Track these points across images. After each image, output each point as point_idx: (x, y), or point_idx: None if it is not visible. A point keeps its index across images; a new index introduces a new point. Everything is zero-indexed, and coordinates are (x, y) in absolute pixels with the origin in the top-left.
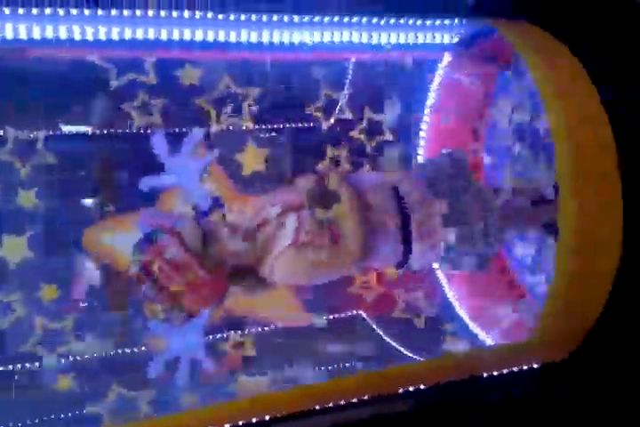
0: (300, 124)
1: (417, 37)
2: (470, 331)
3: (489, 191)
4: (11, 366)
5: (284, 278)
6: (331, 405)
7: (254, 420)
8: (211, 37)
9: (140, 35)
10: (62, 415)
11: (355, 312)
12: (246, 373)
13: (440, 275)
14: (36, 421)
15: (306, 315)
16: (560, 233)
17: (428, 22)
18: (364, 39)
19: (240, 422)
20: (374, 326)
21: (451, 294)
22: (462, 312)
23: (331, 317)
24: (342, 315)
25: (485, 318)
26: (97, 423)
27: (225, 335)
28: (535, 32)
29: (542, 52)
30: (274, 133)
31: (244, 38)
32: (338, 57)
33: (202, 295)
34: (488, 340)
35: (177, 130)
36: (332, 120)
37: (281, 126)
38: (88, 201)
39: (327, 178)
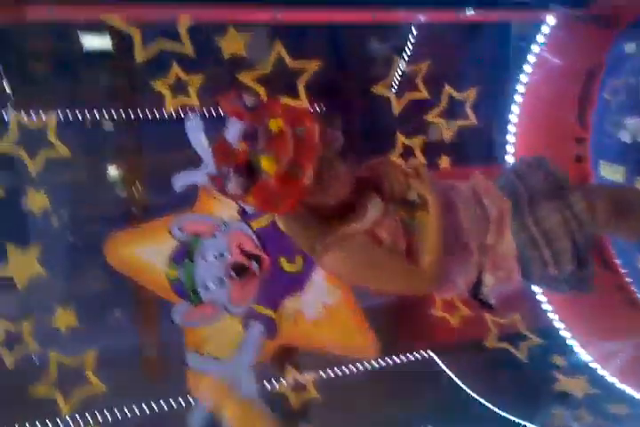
0: (366, 106)
1: None
2: (584, 364)
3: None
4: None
5: (334, 262)
6: None
7: None
8: None
9: None
10: None
11: (425, 354)
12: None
13: (540, 294)
14: None
15: (372, 343)
16: None
17: None
18: None
19: None
20: (448, 372)
21: (556, 318)
22: (571, 340)
23: (396, 359)
24: (410, 357)
25: (603, 346)
26: None
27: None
28: None
29: None
30: (333, 116)
31: None
32: (410, 18)
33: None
34: (614, 379)
35: (217, 112)
36: (403, 100)
37: (342, 108)
38: (111, 203)
39: (413, 177)
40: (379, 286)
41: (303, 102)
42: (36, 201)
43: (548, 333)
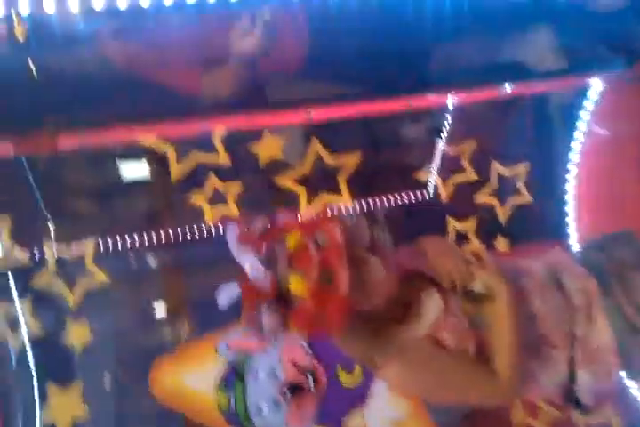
0: (410, 195)
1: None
2: None
3: None
4: None
5: (397, 376)
6: None
7: None
8: None
9: None
10: None
11: None
12: None
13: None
14: None
15: None
16: None
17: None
18: None
19: None
20: None
21: None
22: None
23: None
24: None
25: None
26: None
27: None
28: None
29: None
30: (379, 209)
31: None
32: (445, 100)
33: (322, 312)
34: None
35: None
36: (450, 184)
37: (387, 200)
38: (155, 327)
39: (475, 265)
40: (450, 399)
41: (345, 198)
42: (77, 335)
43: None
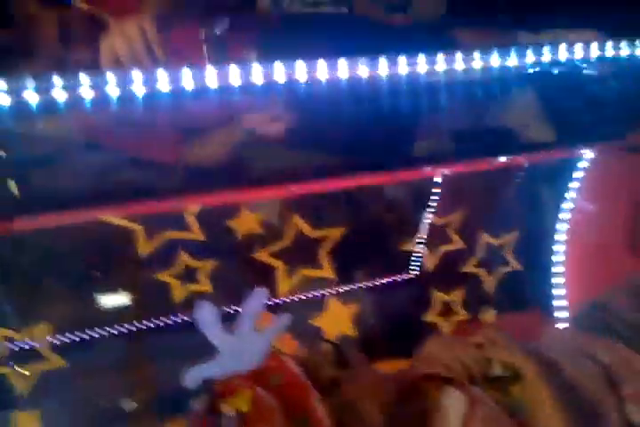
0: (396, 267)
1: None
2: None
3: None
4: None
5: None
6: None
7: None
8: None
9: None
10: None
11: None
12: None
13: None
14: None
15: None
16: None
17: None
18: None
19: None
20: None
21: None
22: None
23: None
24: None
25: None
26: None
27: None
28: None
29: None
30: (363, 282)
31: None
32: (429, 174)
33: None
34: None
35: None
36: (436, 254)
37: (371, 273)
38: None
39: (488, 347)
40: None
41: (326, 272)
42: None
43: None
